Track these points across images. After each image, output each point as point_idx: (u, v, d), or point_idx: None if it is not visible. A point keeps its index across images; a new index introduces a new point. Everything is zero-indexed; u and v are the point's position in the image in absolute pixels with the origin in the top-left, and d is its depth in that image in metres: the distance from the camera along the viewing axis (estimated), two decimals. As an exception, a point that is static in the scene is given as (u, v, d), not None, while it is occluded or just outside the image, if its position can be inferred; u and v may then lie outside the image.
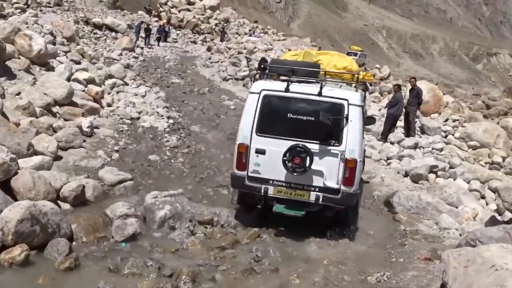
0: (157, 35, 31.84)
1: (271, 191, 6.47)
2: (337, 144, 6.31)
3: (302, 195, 6.42)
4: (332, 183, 6.33)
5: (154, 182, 8.29)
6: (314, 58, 8.41)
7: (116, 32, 29.97)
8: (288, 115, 6.41)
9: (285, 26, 68.42)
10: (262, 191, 6.49)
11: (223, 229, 6.53)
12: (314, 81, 6.80)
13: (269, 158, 6.43)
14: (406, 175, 10.51)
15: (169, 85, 19.30)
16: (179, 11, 39.40)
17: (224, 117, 14.96)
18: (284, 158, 6.27)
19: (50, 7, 30.09)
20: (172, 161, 9.74)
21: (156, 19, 37.40)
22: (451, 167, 10.78)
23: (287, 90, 6.45)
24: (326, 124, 6.30)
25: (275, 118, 6.47)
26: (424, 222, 7.73)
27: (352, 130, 6.29)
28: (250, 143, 6.46)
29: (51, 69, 13.23)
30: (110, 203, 6.75)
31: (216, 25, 40.31)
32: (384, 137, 13.05)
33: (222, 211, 6.85)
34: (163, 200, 6.68)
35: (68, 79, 12.19)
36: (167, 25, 34.47)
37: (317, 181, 6.37)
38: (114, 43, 27.06)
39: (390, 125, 13.27)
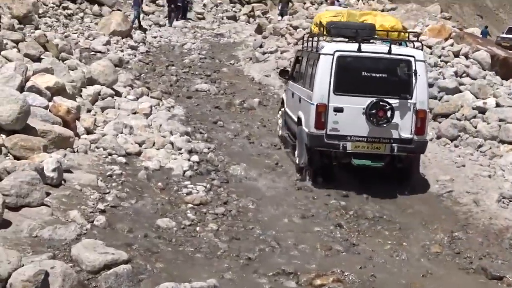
0: (169, 8, 32.79)
1: (349, 147, 12.01)
2: (409, 97, 12.06)
3: (378, 148, 12.12)
4: (406, 134, 12.08)
5: (166, 267, 8.38)
6: (358, 19, 15.15)
7: (101, 4, 30.98)
8: (362, 73, 12.09)
9: (395, -15, 68.54)
10: (341, 148, 11.97)
11: None
12: (375, 41, 13.32)
13: (347, 115, 12.01)
14: None
15: (191, 95, 19.63)
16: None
17: (288, 149, 15.00)
18: (369, 112, 11.77)
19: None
20: (197, 229, 9.87)
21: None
22: None
23: (359, 50, 12.05)
24: (398, 80, 12.24)
25: (350, 77, 12.08)
26: None
27: (420, 84, 12.06)
28: (328, 102, 11.93)
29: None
30: (91, 303, 6.83)
31: (272, -13, 40.94)
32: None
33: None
34: (183, 299, 6.71)
35: (21, 89, 12.55)
36: (187, -10, 35.50)
37: (392, 133, 12.04)
38: (97, 24, 27.89)
39: None
